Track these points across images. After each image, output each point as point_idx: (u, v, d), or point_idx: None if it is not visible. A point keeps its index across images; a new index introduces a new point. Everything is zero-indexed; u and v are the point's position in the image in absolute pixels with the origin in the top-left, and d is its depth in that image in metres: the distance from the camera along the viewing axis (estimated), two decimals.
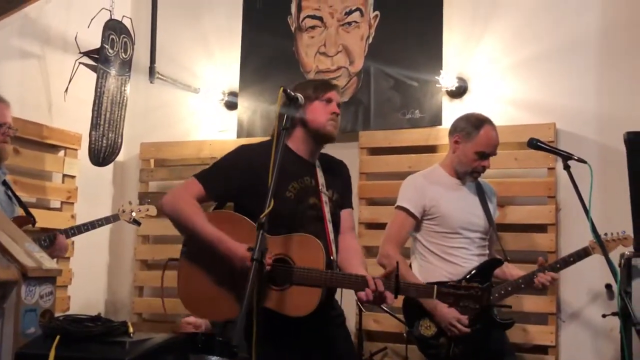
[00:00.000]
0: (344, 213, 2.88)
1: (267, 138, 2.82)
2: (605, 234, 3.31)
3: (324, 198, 2.74)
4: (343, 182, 2.93)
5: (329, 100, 2.77)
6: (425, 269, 3.39)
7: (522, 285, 3.34)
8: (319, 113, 2.74)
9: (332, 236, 2.71)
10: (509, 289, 3.34)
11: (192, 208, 2.64)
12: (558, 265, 3.36)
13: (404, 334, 3.48)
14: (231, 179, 2.70)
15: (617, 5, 4.12)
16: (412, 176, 3.57)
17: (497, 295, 3.31)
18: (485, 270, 3.35)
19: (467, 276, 3.28)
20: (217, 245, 2.55)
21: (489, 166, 3.42)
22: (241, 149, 2.81)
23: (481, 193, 3.50)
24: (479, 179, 3.55)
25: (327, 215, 2.73)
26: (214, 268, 2.60)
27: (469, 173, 3.42)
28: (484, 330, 3.28)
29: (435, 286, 2.59)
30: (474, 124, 3.43)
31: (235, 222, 2.64)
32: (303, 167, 2.76)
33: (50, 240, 3.72)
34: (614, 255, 3.23)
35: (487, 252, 3.50)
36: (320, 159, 2.86)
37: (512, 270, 3.48)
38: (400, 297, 3.35)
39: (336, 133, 2.80)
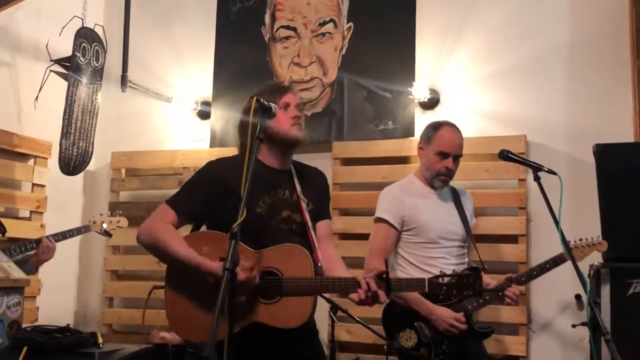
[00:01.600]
0: (322, 223, 2.86)
1: (237, 152, 2.82)
2: (580, 239, 3.33)
3: (304, 206, 2.72)
4: (320, 193, 2.88)
5: (287, 106, 2.73)
6: None
7: (488, 297, 3.35)
8: (280, 121, 2.67)
9: (316, 244, 2.70)
10: (481, 301, 3.34)
11: (167, 234, 2.59)
12: (523, 279, 3.35)
13: (385, 347, 3.48)
14: (201, 197, 2.66)
15: (586, 19, 4.19)
16: (388, 187, 3.57)
17: (473, 305, 3.31)
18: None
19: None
20: (189, 264, 2.52)
21: (453, 167, 3.40)
22: (209, 165, 2.76)
23: (457, 200, 3.51)
24: (455, 186, 3.57)
25: (309, 223, 2.71)
26: (196, 290, 2.56)
27: (435, 176, 3.42)
28: (464, 339, 3.29)
29: (427, 278, 2.55)
30: (433, 127, 3.48)
31: (216, 240, 2.59)
32: (276, 178, 2.73)
33: (37, 244, 3.74)
34: (584, 266, 3.27)
35: (466, 260, 3.50)
36: (296, 167, 2.83)
37: (486, 280, 3.48)
38: (380, 309, 3.38)
39: (303, 135, 2.74)
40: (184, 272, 2.56)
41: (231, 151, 4.11)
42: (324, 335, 4.37)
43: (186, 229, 2.75)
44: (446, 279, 2.50)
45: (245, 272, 2.42)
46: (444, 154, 3.38)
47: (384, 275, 2.51)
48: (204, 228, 2.77)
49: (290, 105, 2.75)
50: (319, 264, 2.63)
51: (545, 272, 3.36)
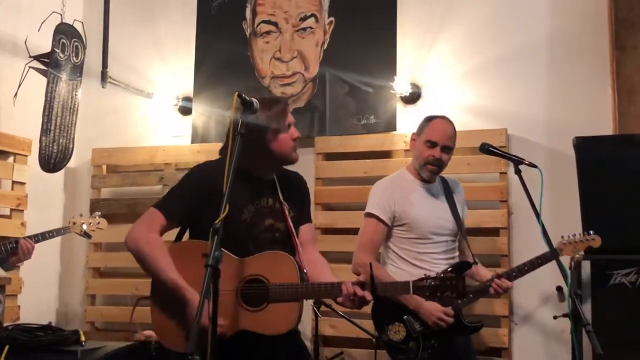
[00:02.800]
0: (304, 228, 2.87)
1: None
2: (574, 235, 3.33)
3: (287, 212, 2.74)
4: (301, 198, 2.91)
5: (289, 126, 2.76)
6: (396, 276, 3.37)
7: (478, 291, 3.36)
8: (284, 143, 2.73)
9: (300, 250, 2.72)
10: (470, 295, 3.35)
11: (154, 250, 2.59)
12: (514, 274, 3.34)
13: (373, 340, 3.49)
14: (190, 201, 2.67)
15: (565, 14, 4.22)
16: (380, 181, 3.58)
17: (462, 300, 3.31)
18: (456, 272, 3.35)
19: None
20: (178, 297, 2.53)
21: (441, 156, 3.40)
22: (197, 169, 2.78)
23: (449, 193, 3.52)
24: (447, 178, 3.57)
25: (293, 230, 2.73)
26: (183, 305, 2.55)
27: (423, 165, 3.43)
28: (452, 334, 3.31)
29: (411, 281, 2.58)
30: (426, 119, 3.50)
31: (201, 249, 2.59)
32: (260, 187, 2.74)
33: (16, 245, 3.71)
34: (565, 258, 3.30)
35: (456, 254, 3.51)
36: (278, 173, 2.84)
37: (482, 272, 3.49)
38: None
39: (297, 155, 2.80)
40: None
41: (213, 147, 4.10)
42: (307, 330, 4.39)
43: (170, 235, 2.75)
44: (430, 282, 2.54)
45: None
46: (432, 142, 3.39)
47: (369, 277, 2.54)
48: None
49: (292, 125, 2.78)
50: (304, 270, 2.65)
51: (537, 268, 3.36)
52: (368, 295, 2.54)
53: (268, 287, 2.55)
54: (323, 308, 3.85)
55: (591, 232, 3.34)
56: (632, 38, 3.87)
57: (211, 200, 2.56)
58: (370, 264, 2.62)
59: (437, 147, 3.39)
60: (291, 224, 2.73)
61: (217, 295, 2.08)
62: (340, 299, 2.56)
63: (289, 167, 2.89)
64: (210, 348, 2.03)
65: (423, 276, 2.57)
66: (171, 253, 2.61)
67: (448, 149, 3.44)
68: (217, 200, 2.47)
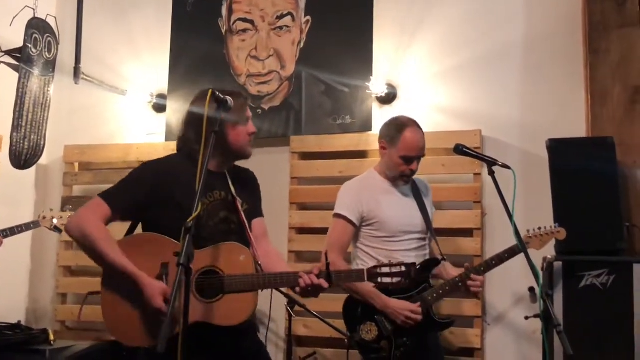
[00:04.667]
0: (257, 221, 2.89)
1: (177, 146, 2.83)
2: (539, 228, 3.34)
3: (240, 206, 2.74)
4: (253, 193, 2.93)
5: (248, 120, 2.78)
6: None
7: (447, 288, 3.37)
8: (242, 136, 2.75)
9: (254, 242, 2.72)
10: (440, 292, 3.36)
11: (101, 234, 2.56)
12: (482, 269, 3.36)
13: (345, 341, 3.49)
14: (137, 197, 2.65)
15: (540, 16, 4.26)
16: (348, 183, 3.58)
17: (433, 297, 3.34)
18: (422, 272, 3.37)
19: None
20: (130, 282, 2.50)
21: (417, 169, 3.44)
22: (146, 165, 2.77)
23: (417, 192, 3.53)
24: (414, 178, 3.59)
25: (246, 222, 2.74)
26: (137, 295, 2.53)
27: (398, 177, 3.46)
28: (424, 331, 3.32)
29: (365, 269, 2.64)
30: (397, 128, 3.46)
31: (154, 243, 2.59)
32: (213, 180, 2.72)
33: None
34: (537, 259, 3.32)
35: (426, 252, 3.52)
36: (229, 168, 2.84)
37: (450, 270, 3.50)
38: (338, 303, 3.39)
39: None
40: (119, 277, 2.54)
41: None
42: (281, 330, 4.39)
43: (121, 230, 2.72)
44: (383, 269, 2.60)
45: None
46: (409, 158, 3.40)
47: (325, 267, 2.59)
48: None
49: (249, 120, 2.79)
50: (259, 262, 2.65)
51: (505, 262, 3.37)
52: (324, 283, 2.57)
53: (223, 277, 2.55)
54: (297, 308, 3.85)
55: (556, 224, 3.36)
56: (606, 42, 3.91)
57: (160, 197, 2.58)
58: (325, 253, 2.65)
59: (414, 161, 3.42)
60: (244, 217, 2.73)
61: (189, 294, 2.07)
62: (297, 289, 2.59)
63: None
64: (180, 347, 2.02)
65: (376, 264, 2.62)
66: (125, 245, 2.59)
67: (421, 157, 3.47)
68: (168, 200, 2.48)
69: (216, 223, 2.68)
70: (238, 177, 2.86)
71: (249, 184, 2.92)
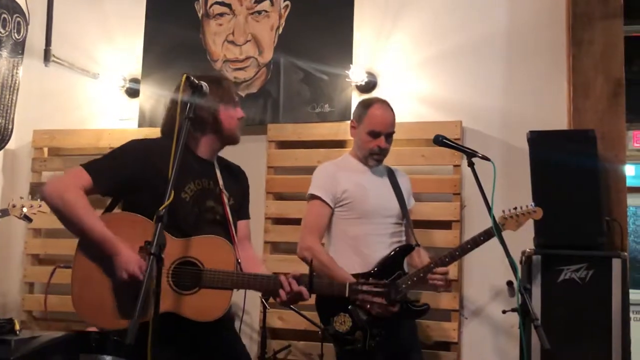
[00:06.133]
0: (243, 223, 2.88)
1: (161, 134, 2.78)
2: (515, 208, 3.31)
3: (226, 200, 2.72)
4: (242, 191, 2.91)
5: (236, 105, 2.78)
6: (336, 260, 3.38)
7: (416, 279, 3.36)
8: (233, 119, 2.74)
9: (236, 238, 2.71)
10: (415, 279, 3.35)
11: (82, 202, 2.49)
12: (447, 259, 3.33)
13: (319, 333, 3.50)
14: (123, 172, 2.59)
15: (523, 7, 4.29)
16: (322, 165, 3.58)
17: (404, 286, 3.34)
18: (397, 258, 3.38)
19: (375, 268, 3.32)
20: (106, 249, 2.45)
21: (385, 145, 3.42)
22: (134, 142, 2.70)
23: (393, 178, 3.54)
24: (393, 168, 3.60)
25: (230, 217, 2.71)
26: (112, 271, 2.48)
27: (368, 156, 3.45)
28: (399, 319, 3.33)
29: (348, 284, 2.66)
30: (364, 105, 3.49)
31: (133, 224, 2.54)
32: (202, 167, 2.71)
33: None
34: (516, 252, 3.35)
35: (403, 238, 3.51)
36: (219, 160, 2.83)
37: (423, 257, 3.50)
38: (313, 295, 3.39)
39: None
40: (96, 250, 2.48)
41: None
42: (255, 323, 4.39)
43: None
44: (365, 287, 2.63)
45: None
46: (376, 133, 3.40)
47: (308, 273, 2.58)
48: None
49: (238, 105, 2.79)
50: (239, 259, 2.64)
51: (467, 252, 3.36)
52: (305, 292, 2.57)
53: (202, 271, 2.53)
54: (271, 300, 3.85)
55: (532, 204, 3.35)
56: (589, 33, 3.94)
57: (146, 177, 2.54)
58: (311, 261, 2.65)
59: (381, 136, 3.41)
60: (229, 212, 2.71)
61: (160, 284, 2.06)
62: (280, 297, 2.57)
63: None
64: (150, 338, 2.02)
65: (360, 280, 2.67)
66: (105, 221, 2.52)
67: (391, 135, 3.46)
68: (154, 179, 2.46)
69: (202, 211, 2.66)
70: (227, 170, 2.84)
71: (238, 181, 2.89)
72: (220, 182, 2.74)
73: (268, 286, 2.59)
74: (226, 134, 2.74)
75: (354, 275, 3.21)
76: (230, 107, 2.74)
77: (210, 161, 2.77)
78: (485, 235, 3.28)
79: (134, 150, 2.65)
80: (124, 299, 2.46)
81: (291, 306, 3.66)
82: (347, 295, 2.64)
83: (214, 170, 2.76)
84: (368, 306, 3.18)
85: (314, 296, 3.38)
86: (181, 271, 2.53)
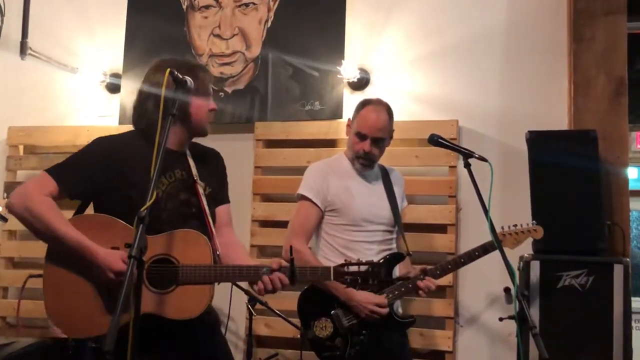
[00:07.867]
0: (222, 208, 2.86)
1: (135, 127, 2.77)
2: (515, 225, 3.37)
3: (200, 190, 2.70)
4: (218, 175, 2.89)
5: (209, 95, 2.76)
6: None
7: (403, 289, 3.37)
8: (202, 110, 2.72)
9: (214, 230, 2.69)
10: (403, 289, 3.38)
11: (49, 208, 2.50)
12: (438, 272, 3.36)
13: (299, 337, 3.48)
14: (88, 175, 2.59)
15: (521, 5, 4.29)
16: (314, 164, 3.58)
17: (394, 294, 3.34)
18: (387, 266, 3.37)
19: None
20: (84, 254, 2.45)
21: (370, 150, 3.40)
22: (98, 141, 2.69)
23: (387, 182, 3.53)
24: (388, 168, 3.60)
25: (207, 208, 2.70)
26: (86, 277, 2.48)
27: (354, 159, 3.45)
28: (383, 329, 3.32)
29: (332, 267, 2.61)
30: (360, 104, 3.50)
31: (104, 226, 2.54)
32: (172, 159, 2.68)
33: None
34: (513, 257, 3.36)
35: (393, 246, 3.51)
36: (191, 147, 2.81)
37: (410, 268, 3.49)
38: (296, 298, 3.37)
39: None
40: (68, 256, 2.48)
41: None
42: (241, 330, 4.38)
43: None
44: (351, 268, 2.59)
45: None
46: (361, 135, 3.40)
47: (289, 261, 2.58)
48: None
49: (210, 96, 2.78)
50: (217, 252, 2.63)
51: (461, 267, 3.41)
52: (284, 279, 2.55)
53: (177, 267, 2.52)
54: (258, 306, 3.84)
55: (533, 222, 3.39)
56: (590, 29, 3.95)
57: (114, 176, 2.54)
58: (291, 247, 2.64)
59: (366, 140, 3.39)
60: (204, 202, 2.70)
61: (141, 287, 2.05)
62: (258, 285, 2.55)
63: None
64: (131, 341, 2.00)
65: (344, 262, 2.60)
66: (74, 225, 2.52)
67: (379, 141, 3.43)
68: (119, 178, 2.47)
69: (176, 205, 2.64)
70: (201, 157, 2.82)
71: (212, 165, 2.87)
72: (194, 171, 2.72)
73: (249, 277, 2.59)
74: (194, 125, 2.72)
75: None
76: (202, 98, 2.72)
77: (181, 151, 2.75)
78: (481, 251, 3.33)
79: (98, 149, 2.65)
80: (104, 303, 2.46)
81: (279, 312, 3.67)
82: (332, 278, 2.60)
83: (185, 160, 2.74)
84: (362, 313, 3.20)
85: (296, 300, 3.38)
86: (156, 270, 2.51)
